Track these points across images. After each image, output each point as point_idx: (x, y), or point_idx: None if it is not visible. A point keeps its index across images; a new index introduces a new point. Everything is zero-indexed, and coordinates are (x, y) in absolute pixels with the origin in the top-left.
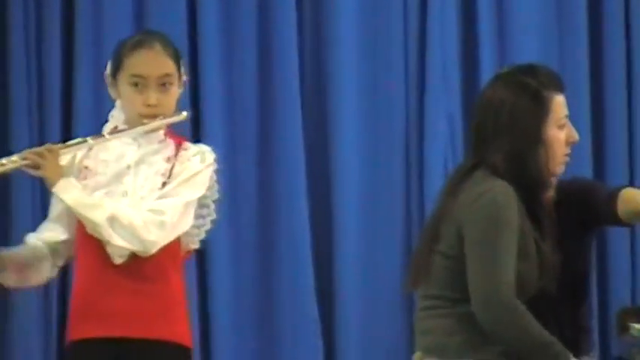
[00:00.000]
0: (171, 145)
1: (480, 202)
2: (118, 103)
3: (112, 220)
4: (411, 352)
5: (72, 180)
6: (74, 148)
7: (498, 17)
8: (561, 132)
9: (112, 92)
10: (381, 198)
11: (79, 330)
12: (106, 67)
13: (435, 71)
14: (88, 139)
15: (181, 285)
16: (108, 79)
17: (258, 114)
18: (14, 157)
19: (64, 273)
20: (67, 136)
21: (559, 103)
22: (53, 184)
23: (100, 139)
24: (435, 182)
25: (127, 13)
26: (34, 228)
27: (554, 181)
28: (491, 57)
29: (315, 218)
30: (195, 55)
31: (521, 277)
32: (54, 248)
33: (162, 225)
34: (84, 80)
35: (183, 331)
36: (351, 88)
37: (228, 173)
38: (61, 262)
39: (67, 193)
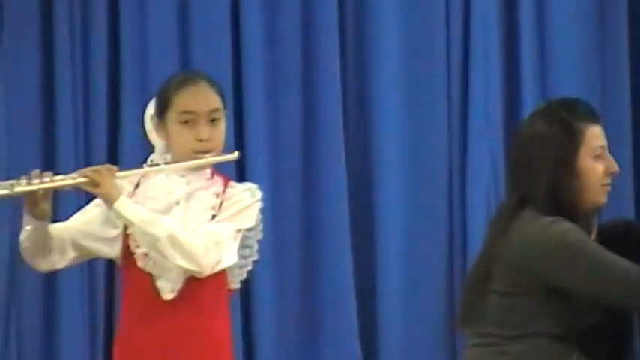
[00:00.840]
0: (219, 182)
1: (546, 236)
2: (158, 147)
3: (172, 238)
4: None
5: (129, 199)
6: (130, 172)
7: (540, 55)
8: (597, 163)
9: (158, 134)
10: (424, 236)
11: None
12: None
13: (478, 110)
14: (144, 166)
15: (227, 325)
16: (152, 121)
17: (301, 151)
18: (73, 175)
19: (110, 307)
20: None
21: (593, 134)
22: (113, 202)
23: (155, 168)
24: (478, 221)
25: (172, 56)
26: None
27: (594, 211)
28: (532, 95)
29: (358, 254)
30: (240, 94)
31: (583, 309)
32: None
33: (217, 245)
34: (129, 119)
35: None
36: (394, 127)
37: (272, 209)
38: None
39: (128, 209)
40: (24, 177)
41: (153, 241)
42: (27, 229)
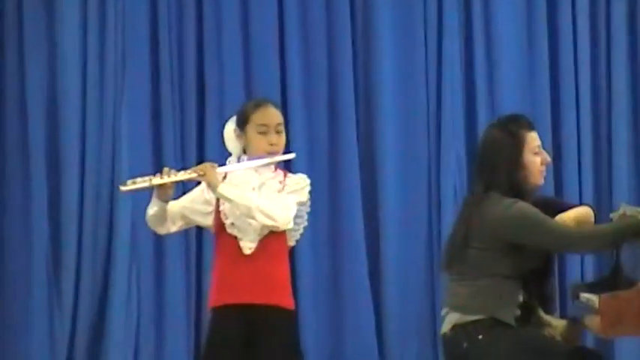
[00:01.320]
0: (280, 174)
1: (510, 212)
2: (234, 152)
3: (258, 207)
4: None
5: (227, 184)
6: (225, 167)
7: (489, 86)
8: (536, 157)
9: (238, 142)
10: (413, 209)
11: (219, 299)
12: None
13: (447, 125)
14: (231, 160)
15: (287, 269)
16: (235, 132)
17: (327, 154)
18: (189, 170)
19: (200, 267)
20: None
21: (532, 137)
22: (216, 186)
23: (243, 164)
24: (448, 201)
25: (240, 90)
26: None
27: (536, 189)
28: (484, 116)
29: (368, 221)
30: (285, 113)
31: (527, 260)
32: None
33: (287, 208)
34: (213, 127)
35: (289, 300)
36: (393, 139)
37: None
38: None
39: (228, 191)
40: (158, 173)
41: (247, 210)
42: (155, 208)
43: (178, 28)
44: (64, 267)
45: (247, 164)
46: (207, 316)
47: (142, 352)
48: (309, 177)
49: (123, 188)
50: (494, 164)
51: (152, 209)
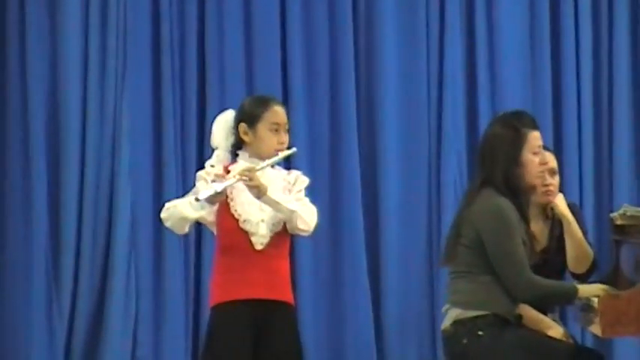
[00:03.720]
0: (283, 171)
1: (490, 214)
2: (222, 147)
3: (298, 213)
4: None
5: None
6: (261, 169)
7: (491, 82)
8: (535, 157)
9: (244, 138)
10: (413, 210)
11: (226, 295)
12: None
13: (448, 123)
14: (262, 164)
15: (288, 263)
16: (241, 129)
17: (328, 149)
18: (236, 175)
19: (199, 262)
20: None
21: (534, 136)
22: (265, 191)
23: (268, 163)
24: (449, 196)
25: (241, 85)
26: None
27: (532, 190)
28: (486, 114)
29: (367, 209)
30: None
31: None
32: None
33: (315, 214)
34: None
35: (291, 294)
36: (394, 136)
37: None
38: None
39: (275, 196)
40: (212, 180)
41: (290, 214)
42: (201, 211)
43: (180, 20)
44: (63, 262)
45: (265, 163)
46: (206, 309)
47: (140, 345)
48: (310, 172)
49: (200, 198)
50: (494, 159)
51: (197, 211)
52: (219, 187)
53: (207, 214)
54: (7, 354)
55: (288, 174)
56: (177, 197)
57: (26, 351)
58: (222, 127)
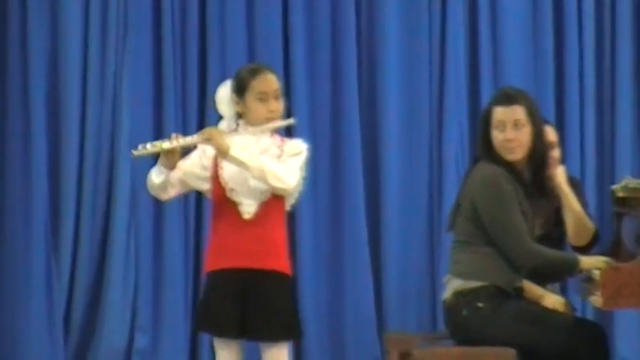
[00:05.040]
0: (277, 139)
1: (482, 183)
2: (227, 116)
3: (269, 170)
4: None
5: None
6: (230, 133)
7: (493, 58)
8: (497, 131)
9: (236, 107)
10: (416, 177)
11: (216, 263)
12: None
13: (450, 94)
14: (239, 129)
15: (284, 233)
16: (232, 99)
17: (330, 126)
18: (195, 135)
19: (199, 230)
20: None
21: (495, 111)
22: (228, 150)
23: (248, 130)
24: (450, 168)
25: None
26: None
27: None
28: (489, 82)
29: (368, 188)
30: (288, 84)
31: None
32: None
33: (294, 172)
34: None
35: (287, 264)
36: (396, 112)
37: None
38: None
39: (239, 153)
40: (166, 138)
41: (259, 173)
42: (161, 175)
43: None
44: (63, 230)
45: (250, 131)
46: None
47: (140, 314)
48: (311, 147)
49: (135, 153)
50: (479, 136)
51: (158, 177)
52: (167, 145)
53: (202, 183)
54: (6, 325)
55: (284, 141)
56: None
57: (26, 321)
58: (223, 97)
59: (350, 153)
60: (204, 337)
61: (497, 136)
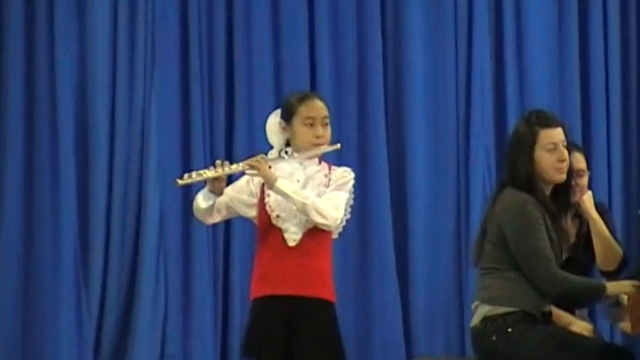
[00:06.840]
0: (325, 167)
1: (511, 209)
2: (276, 145)
3: (313, 205)
4: None
5: (284, 179)
6: (274, 161)
7: (519, 79)
8: (549, 154)
9: (282, 134)
10: (442, 201)
11: (261, 290)
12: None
13: (477, 118)
14: (284, 156)
15: (329, 262)
16: (280, 125)
17: (356, 147)
18: (241, 163)
19: (227, 259)
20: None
21: (546, 134)
22: (275, 181)
23: (294, 157)
24: (477, 192)
25: (269, 85)
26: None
27: (553, 182)
28: (515, 105)
29: (395, 216)
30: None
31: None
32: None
33: (338, 208)
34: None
35: (331, 291)
36: (422, 133)
37: None
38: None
39: (284, 186)
40: (211, 166)
41: (302, 207)
42: (209, 201)
43: (208, 17)
44: (92, 259)
45: (296, 157)
46: (235, 306)
47: (169, 342)
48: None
49: (180, 182)
50: (511, 158)
51: (206, 202)
52: (212, 173)
53: (249, 209)
54: (37, 355)
55: (332, 170)
56: None
57: (55, 349)
58: (272, 126)
59: (377, 177)
60: None
61: (548, 158)
